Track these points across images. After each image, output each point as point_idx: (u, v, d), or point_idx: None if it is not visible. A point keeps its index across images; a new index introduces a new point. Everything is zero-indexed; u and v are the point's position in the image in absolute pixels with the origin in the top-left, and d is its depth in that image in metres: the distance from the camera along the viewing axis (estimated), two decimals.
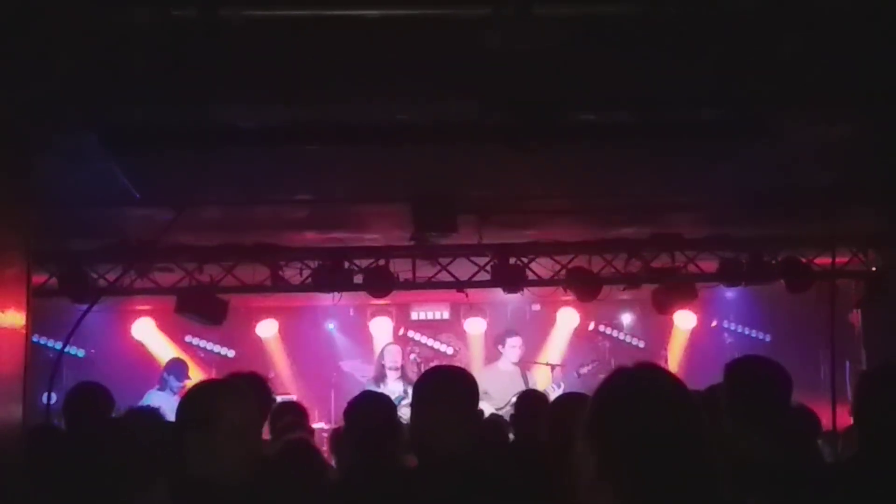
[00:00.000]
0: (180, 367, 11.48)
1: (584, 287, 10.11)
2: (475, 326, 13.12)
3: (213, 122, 6.11)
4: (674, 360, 12.50)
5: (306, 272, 9.74)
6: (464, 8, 4.71)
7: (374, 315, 12.95)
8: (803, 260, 9.98)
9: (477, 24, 4.72)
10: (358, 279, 9.69)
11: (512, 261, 9.81)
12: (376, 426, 4.53)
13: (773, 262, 10.04)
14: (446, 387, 3.57)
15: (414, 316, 13.53)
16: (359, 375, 12.28)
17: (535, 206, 8.86)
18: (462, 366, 8.11)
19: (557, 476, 2.73)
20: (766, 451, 3.71)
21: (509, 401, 10.69)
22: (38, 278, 8.85)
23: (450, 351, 13.54)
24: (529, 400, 6.38)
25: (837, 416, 6.35)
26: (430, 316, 13.56)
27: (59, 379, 9.36)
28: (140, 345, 12.75)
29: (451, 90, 5.67)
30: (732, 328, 13.44)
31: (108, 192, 7.57)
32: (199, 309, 9.95)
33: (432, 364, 10.45)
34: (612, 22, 4.84)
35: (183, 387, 10.57)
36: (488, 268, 9.85)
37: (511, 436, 6.55)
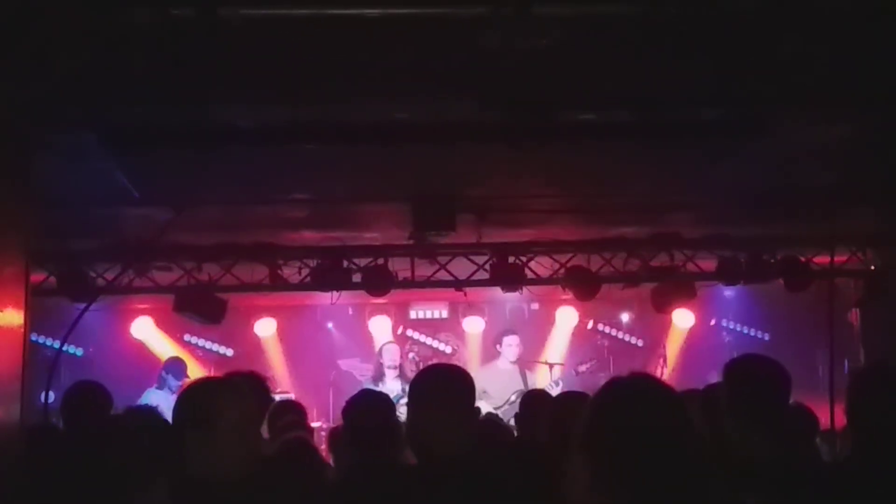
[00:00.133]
0: (179, 366, 11.49)
1: (583, 286, 10.12)
2: (474, 325, 13.13)
3: (212, 121, 6.10)
4: (672, 358, 12.50)
5: (305, 271, 9.74)
6: (463, 7, 4.70)
7: (372, 314, 12.95)
8: (802, 259, 9.99)
9: (476, 24, 4.72)
10: (357, 278, 9.69)
11: (511, 260, 9.81)
12: (375, 425, 4.53)
13: (772, 261, 10.05)
14: (442, 386, 3.55)
15: (413, 315, 13.54)
16: (357, 374, 12.29)
17: (533, 205, 8.86)
18: (461, 364, 8.12)
19: (557, 476, 2.73)
20: (766, 450, 3.71)
21: (508, 399, 10.73)
22: (37, 277, 8.84)
23: (448, 350, 13.54)
24: (531, 399, 6.38)
25: (836, 416, 6.35)
26: (428, 315, 13.57)
27: (58, 378, 9.34)
28: (138, 343, 12.74)
29: (451, 89, 5.66)
30: (731, 327, 13.44)
31: (107, 192, 7.57)
32: (197, 308, 9.95)
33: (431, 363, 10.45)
34: (611, 22, 4.84)
35: (181, 385, 10.56)
36: (487, 267, 9.86)
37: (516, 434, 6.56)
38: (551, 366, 11.58)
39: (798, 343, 10.82)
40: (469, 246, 9.64)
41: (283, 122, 6.20)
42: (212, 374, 11.29)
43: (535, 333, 12.78)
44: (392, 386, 10.36)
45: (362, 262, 9.68)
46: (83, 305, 8.55)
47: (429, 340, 13.56)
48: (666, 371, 11.84)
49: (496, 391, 10.76)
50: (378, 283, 9.75)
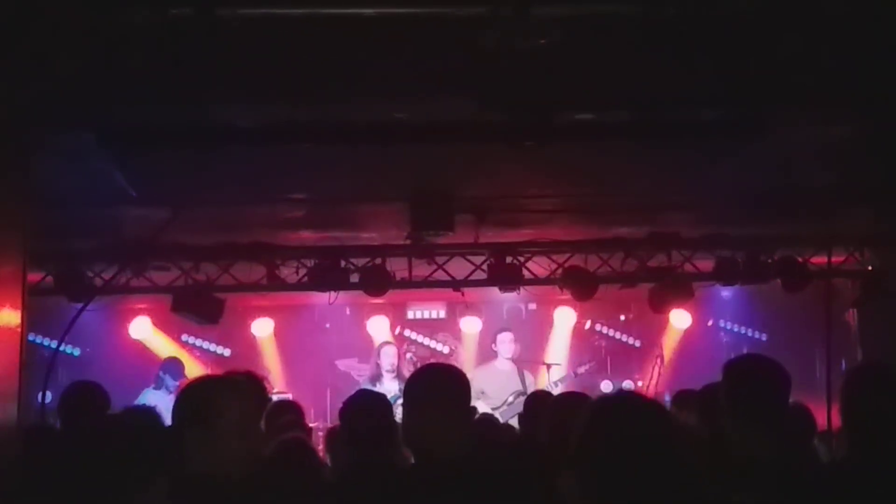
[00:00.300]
0: (176, 366, 11.48)
1: (581, 286, 10.10)
2: (471, 325, 13.10)
3: (211, 121, 6.10)
4: (669, 359, 12.49)
5: (302, 271, 9.72)
6: (462, 7, 4.71)
7: (370, 314, 12.94)
8: (799, 259, 9.98)
9: (475, 24, 4.72)
10: (354, 278, 9.67)
11: (508, 260, 9.80)
12: (372, 425, 4.53)
13: (770, 261, 10.03)
14: (437, 386, 3.54)
15: (410, 315, 13.52)
16: (355, 374, 12.29)
17: (531, 205, 8.86)
18: (458, 365, 8.12)
19: (557, 476, 2.74)
20: (765, 450, 3.71)
21: (506, 400, 10.73)
22: (34, 277, 8.82)
23: (446, 350, 13.53)
24: (534, 400, 6.38)
25: (833, 416, 6.35)
26: (426, 315, 13.55)
27: (55, 378, 9.34)
28: (136, 343, 12.72)
29: (449, 89, 5.67)
30: (728, 327, 13.43)
31: (105, 191, 7.56)
32: (195, 308, 9.93)
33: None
34: (611, 22, 4.84)
35: (179, 385, 10.55)
36: (485, 267, 9.85)
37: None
38: (549, 366, 11.58)
39: (795, 344, 10.82)
40: (467, 246, 9.63)
41: (282, 121, 6.19)
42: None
43: (532, 334, 12.76)
44: (389, 386, 10.33)
45: (360, 262, 9.66)
46: (81, 305, 8.54)
47: (426, 341, 13.55)
48: (663, 371, 11.83)
49: (494, 392, 10.75)
50: (376, 283, 9.74)
